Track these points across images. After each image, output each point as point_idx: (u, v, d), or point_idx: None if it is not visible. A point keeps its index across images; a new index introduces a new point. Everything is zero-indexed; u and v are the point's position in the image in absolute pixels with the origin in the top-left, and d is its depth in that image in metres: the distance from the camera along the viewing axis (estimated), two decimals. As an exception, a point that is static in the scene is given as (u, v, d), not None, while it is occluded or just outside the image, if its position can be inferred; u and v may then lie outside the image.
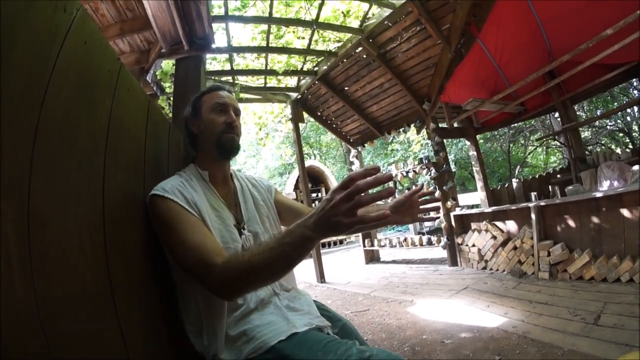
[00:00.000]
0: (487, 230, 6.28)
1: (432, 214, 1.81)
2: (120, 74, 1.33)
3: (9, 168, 0.75)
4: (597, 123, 17.71)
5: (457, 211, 7.15)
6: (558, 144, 18.81)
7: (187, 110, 1.68)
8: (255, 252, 1.10)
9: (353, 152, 10.16)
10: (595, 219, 4.73)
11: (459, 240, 6.98)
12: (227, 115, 1.62)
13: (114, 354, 1.06)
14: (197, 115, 1.63)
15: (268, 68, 6.89)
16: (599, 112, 17.37)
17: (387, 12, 5.72)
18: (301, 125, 9.03)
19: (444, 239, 7.24)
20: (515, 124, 13.37)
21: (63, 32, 0.98)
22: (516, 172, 20.13)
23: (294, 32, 6.34)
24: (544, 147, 22.56)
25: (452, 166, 16.62)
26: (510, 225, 6.01)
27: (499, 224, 6.21)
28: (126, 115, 1.38)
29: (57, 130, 0.93)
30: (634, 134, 18.41)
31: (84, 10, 1.09)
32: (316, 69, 7.32)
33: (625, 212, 4.40)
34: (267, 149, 20.74)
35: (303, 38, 6.43)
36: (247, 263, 1.10)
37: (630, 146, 16.99)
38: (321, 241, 13.35)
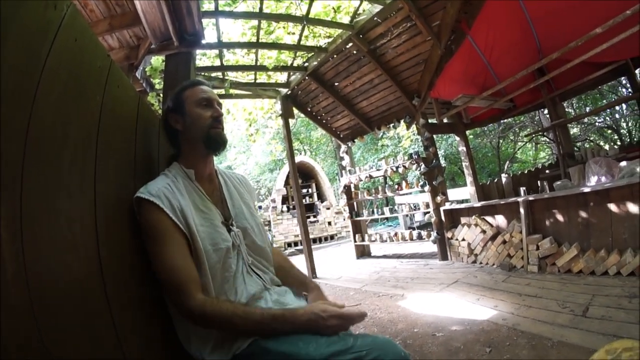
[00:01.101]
0: (476, 225, 6.32)
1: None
2: (110, 71, 1.33)
3: (1, 165, 0.75)
4: (585, 120, 17.87)
5: (447, 206, 7.19)
6: (547, 140, 18.97)
7: (167, 106, 1.63)
8: (239, 314, 1.25)
9: (343, 147, 10.17)
10: (583, 214, 4.79)
11: (448, 234, 7.02)
12: (214, 110, 1.60)
13: (108, 348, 1.06)
14: (180, 111, 1.58)
15: (258, 64, 6.87)
16: (587, 109, 17.52)
17: (377, 8, 5.72)
18: (291, 121, 9.03)
19: (434, 234, 7.28)
20: (505, 120, 13.44)
21: (54, 29, 0.97)
22: (505, 167, 20.26)
23: (284, 27, 6.33)
24: (533, 143, 22.71)
25: (442, 161, 16.65)
26: (500, 220, 6.06)
27: (489, 218, 6.26)
28: (117, 112, 1.38)
29: (49, 127, 0.93)
30: (622, 131, 18.59)
31: (75, 7, 1.09)
32: (306, 64, 7.31)
33: (612, 207, 4.45)
34: (257, 145, 20.66)
35: (293, 34, 6.42)
36: (227, 317, 1.24)
37: (618, 143, 17.16)
38: (312, 237, 13.32)
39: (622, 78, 9.15)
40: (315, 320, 1.25)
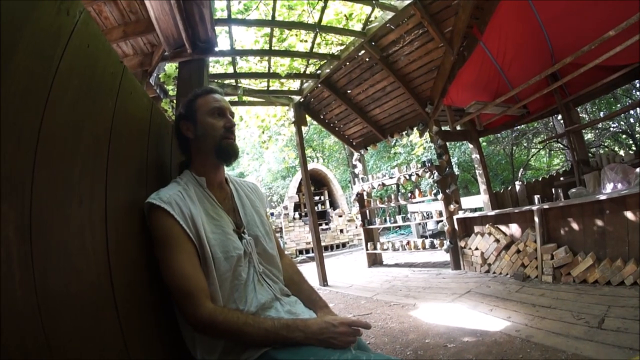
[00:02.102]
0: (490, 234, 6.26)
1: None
2: (123, 77, 1.34)
3: (11, 170, 0.75)
4: (600, 125, 17.68)
5: (460, 214, 7.14)
6: (561, 146, 18.79)
7: (180, 113, 1.62)
8: (250, 323, 1.24)
9: (356, 155, 10.16)
10: (598, 222, 4.71)
11: (462, 243, 6.96)
12: (226, 120, 1.58)
13: (114, 353, 1.06)
14: (192, 119, 1.57)
15: (271, 71, 6.90)
16: (602, 114, 17.33)
17: (389, 15, 5.72)
18: (304, 129, 9.04)
19: (446, 242, 7.22)
20: (518, 127, 13.35)
21: (66, 35, 0.98)
22: (519, 175, 20.08)
23: (296, 35, 6.35)
24: (547, 150, 22.52)
25: (455, 169, 16.59)
26: (514, 229, 5.99)
27: (502, 227, 6.19)
28: (129, 118, 1.39)
29: (60, 132, 0.94)
30: (637, 136, 18.35)
31: (87, 13, 1.10)
32: (319, 72, 7.33)
33: (628, 215, 4.38)
34: (270, 152, 20.75)
35: (306, 41, 6.44)
36: (238, 327, 1.24)
37: (634, 148, 16.95)
38: (324, 244, 13.28)
39: (637, 81, 9.06)
40: (327, 327, 1.26)
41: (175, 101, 5.33)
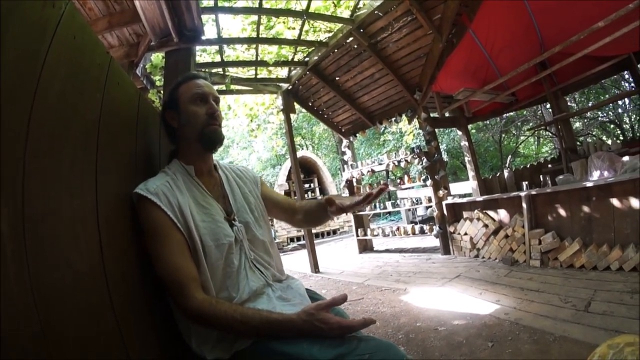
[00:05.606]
0: (479, 219, 6.32)
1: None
2: (110, 68, 1.32)
3: (2, 165, 0.75)
4: (588, 114, 17.79)
5: (449, 200, 7.20)
6: (549, 134, 18.92)
7: (164, 102, 1.62)
8: (238, 319, 1.23)
9: (345, 142, 10.15)
10: (585, 208, 4.78)
11: (451, 229, 7.03)
12: (208, 106, 1.56)
13: (111, 346, 1.06)
14: (175, 107, 1.56)
15: (259, 59, 6.84)
16: (590, 104, 17.42)
17: (378, 2, 5.69)
18: (293, 116, 9.00)
19: (436, 228, 7.28)
20: (507, 114, 13.40)
21: (52, 27, 0.97)
22: (508, 161, 20.19)
23: (284, 22, 6.30)
24: (536, 137, 22.67)
25: (444, 156, 16.66)
26: (502, 214, 6.05)
27: (491, 212, 6.25)
28: (117, 109, 1.38)
29: (49, 125, 0.93)
30: (624, 126, 18.50)
31: (73, 4, 1.08)
32: (307, 59, 7.29)
33: (614, 202, 4.45)
34: (259, 141, 20.64)
35: (293, 29, 6.39)
36: (226, 321, 1.23)
37: (621, 137, 17.12)
38: (314, 231, 13.31)
39: (625, 72, 9.13)
40: (310, 321, 1.22)
41: (162, 91, 5.28)
